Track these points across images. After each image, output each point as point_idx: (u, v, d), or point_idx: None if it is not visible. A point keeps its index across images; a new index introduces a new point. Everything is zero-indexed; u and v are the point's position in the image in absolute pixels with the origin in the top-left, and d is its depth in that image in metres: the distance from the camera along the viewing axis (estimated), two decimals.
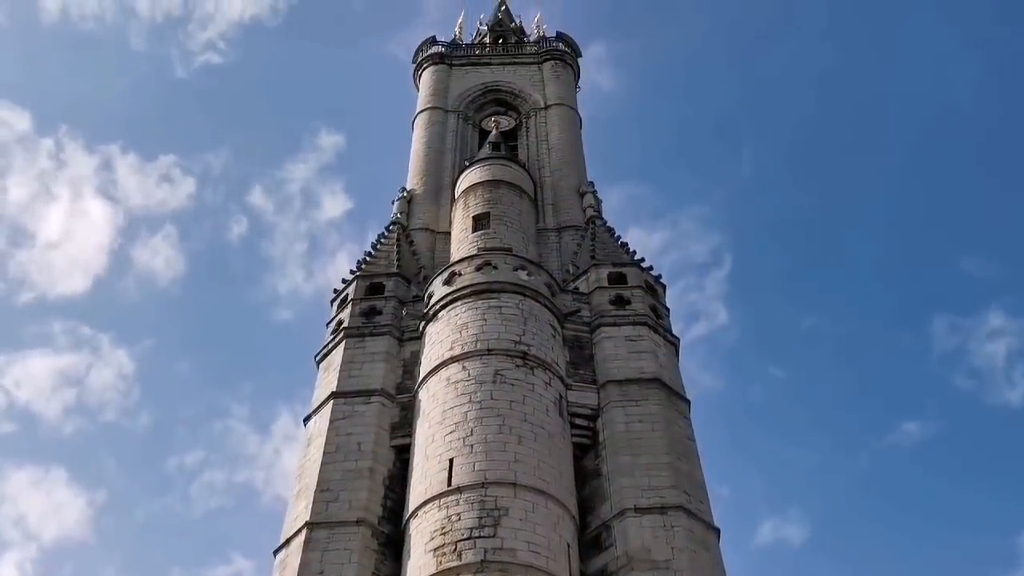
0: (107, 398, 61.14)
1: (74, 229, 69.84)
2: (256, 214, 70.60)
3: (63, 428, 59.19)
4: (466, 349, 19.27)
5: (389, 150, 65.66)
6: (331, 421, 19.53)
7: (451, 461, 17.16)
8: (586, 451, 19.05)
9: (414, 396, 19.66)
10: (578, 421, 19.34)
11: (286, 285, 67.80)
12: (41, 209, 68.59)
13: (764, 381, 59.46)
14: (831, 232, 64.91)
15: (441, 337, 20.07)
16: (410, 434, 19.05)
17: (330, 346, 21.89)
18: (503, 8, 39.22)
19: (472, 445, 17.27)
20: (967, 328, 65.35)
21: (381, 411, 19.75)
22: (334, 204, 71.18)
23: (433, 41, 35.19)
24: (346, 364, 20.84)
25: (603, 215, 26.37)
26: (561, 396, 19.26)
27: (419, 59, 34.66)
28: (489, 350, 19.12)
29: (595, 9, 74.85)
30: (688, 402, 20.41)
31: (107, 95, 72.69)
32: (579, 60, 35.23)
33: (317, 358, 22.09)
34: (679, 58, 75.18)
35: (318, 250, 68.72)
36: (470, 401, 18.14)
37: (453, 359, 19.19)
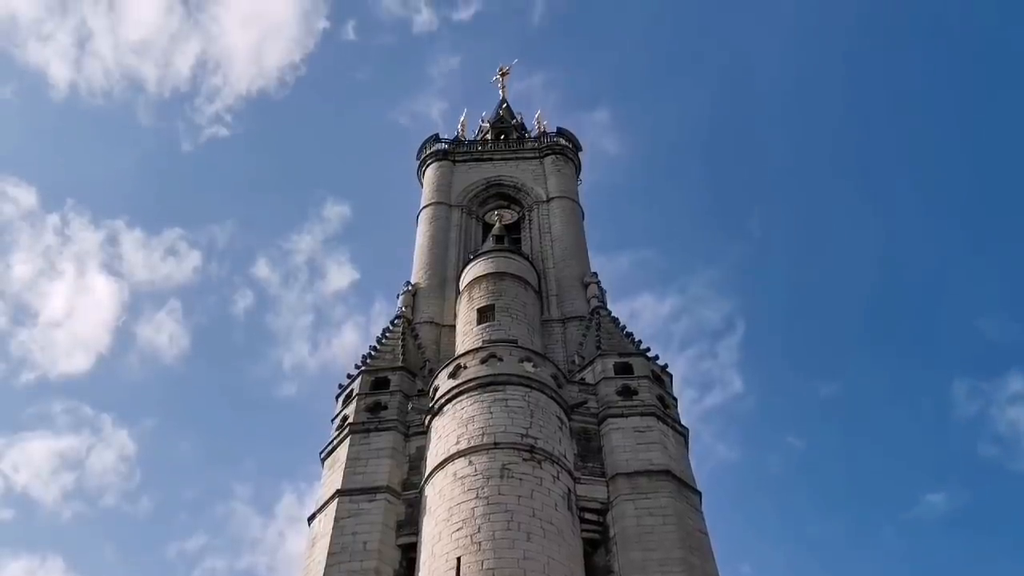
0: (107, 482, 60.21)
1: (78, 306, 70.07)
2: (261, 287, 70.86)
3: (61, 514, 58.13)
4: (472, 443, 19.03)
5: (395, 219, 66.36)
6: (336, 520, 19.15)
7: (459, 560, 16.73)
8: (596, 547, 18.58)
9: (420, 492, 19.33)
10: (587, 516, 18.92)
11: (291, 359, 67.60)
12: (45, 286, 68.96)
13: (782, 451, 58.26)
14: (845, 295, 64.66)
15: (447, 431, 19.85)
16: (416, 532, 18.64)
17: (335, 442, 21.66)
18: (504, 106, 40.24)
19: (480, 543, 16.87)
20: (988, 392, 64.34)
21: (387, 509, 19.40)
22: (340, 275, 71.46)
23: (436, 139, 35.98)
24: (351, 461, 20.58)
25: (607, 305, 26.43)
26: (570, 490, 18.92)
27: (423, 156, 35.36)
28: (496, 444, 18.87)
29: (600, 74, 76.66)
30: (699, 494, 20.02)
31: (114, 169, 73.94)
32: (579, 154, 35.90)
33: (322, 455, 21.83)
34: (684, 121, 76.56)
35: (324, 322, 68.65)
36: (477, 497, 17.81)
37: (459, 454, 18.93)
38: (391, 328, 25.33)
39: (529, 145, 35.59)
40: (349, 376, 23.53)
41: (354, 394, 22.55)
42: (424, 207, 32.55)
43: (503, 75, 42.55)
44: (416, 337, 25.28)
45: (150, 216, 76.64)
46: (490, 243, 27.99)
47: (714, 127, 75.46)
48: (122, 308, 73.12)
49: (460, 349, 23.30)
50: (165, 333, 68.55)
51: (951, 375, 63.44)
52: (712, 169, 75.21)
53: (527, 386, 20.47)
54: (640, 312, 61.99)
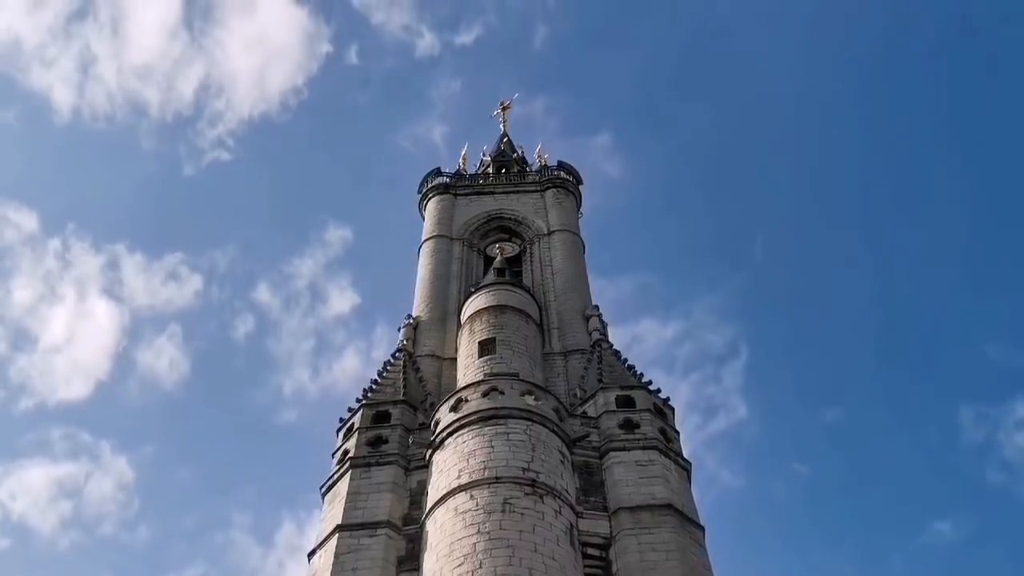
0: (105, 510, 59.67)
1: (78, 331, 69.94)
2: (262, 311, 70.72)
3: (58, 543, 57.57)
4: (473, 477, 18.89)
5: (397, 242, 66.33)
6: (336, 556, 18.97)
7: None
8: None
9: (421, 528, 19.17)
10: (590, 551, 18.71)
11: (291, 385, 67.35)
12: (45, 311, 68.87)
13: (787, 478, 57.76)
14: (848, 320, 64.43)
15: (448, 466, 19.73)
16: (418, 567, 18.44)
17: (335, 477, 21.53)
18: (505, 139, 40.53)
19: None
20: (995, 418, 63.82)
21: (388, 544, 19.21)
22: (342, 299, 71.38)
23: (438, 172, 36.19)
24: (352, 495, 20.43)
25: (608, 337, 26.41)
26: (572, 525, 18.75)
27: (424, 189, 35.53)
28: (497, 478, 18.74)
29: (601, 98, 77.18)
30: (702, 528, 19.85)
31: (115, 193, 74.17)
32: (580, 187, 36.07)
33: (322, 489, 21.69)
34: (686, 146, 76.99)
35: (325, 347, 68.41)
36: (478, 532, 17.64)
37: (460, 488, 18.78)
38: (392, 361, 25.28)
39: (530, 178, 35.78)
40: (350, 409, 23.45)
41: (355, 428, 22.45)
42: (425, 240, 32.64)
43: (504, 109, 42.95)
44: (417, 370, 25.23)
45: (151, 240, 76.98)
46: (491, 276, 28.03)
47: (716, 151, 76.04)
48: (122, 333, 73.13)
49: (461, 382, 23.24)
50: (165, 358, 68.46)
51: (957, 400, 63.14)
52: (714, 193, 75.62)
53: (529, 420, 20.38)
54: (643, 337, 61.95)
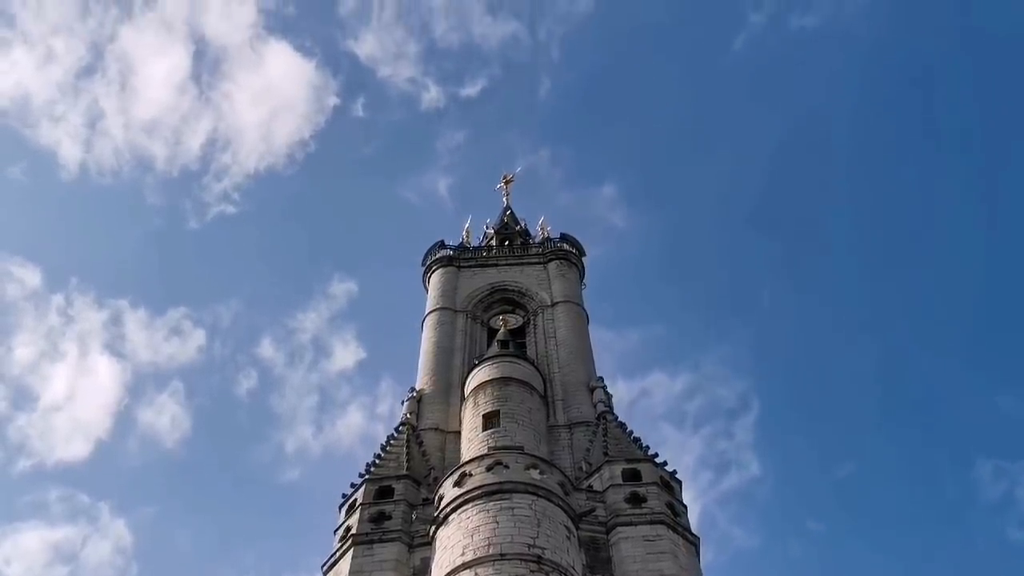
0: None
1: (79, 389, 69.37)
2: (266, 367, 70.11)
3: None
4: (478, 555, 18.53)
5: (403, 295, 66.07)
6: None
7: None
8: None
9: None
10: None
11: (294, 442, 66.48)
12: (47, 368, 68.40)
13: (803, 536, 56.40)
14: (859, 373, 63.71)
15: (452, 542, 19.38)
16: None
17: (337, 555, 21.15)
18: (508, 212, 40.95)
19: None
20: (1013, 473, 62.44)
21: None
22: (346, 354, 70.76)
23: (442, 245, 36.44)
24: (354, 574, 20.05)
25: (613, 409, 26.24)
26: None
27: (428, 262, 35.73)
28: (502, 555, 18.37)
29: (607, 149, 77.84)
30: None
31: (119, 248, 74.35)
32: (583, 259, 36.29)
33: (324, 568, 21.28)
34: (693, 196, 77.29)
35: (328, 403, 67.63)
36: None
37: (465, 565, 18.42)
38: (395, 435, 25.09)
39: (533, 250, 36.01)
40: (353, 485, 23.18)
41: (357, 503, 22.15)
42: (429, 313, 32.70)
43: (507, 182, 43.49)
44: (421, 444, 25.00)
45: (155, 295, 77.00)
46: (495, 348, 27.98)
47: (723, 202, 76.40)
48: (124, 390, 72.72)
49: (465, 456, 23.00)
50: (167, 416, 67.90)
51: (973, 455, 62.08)
52: (722, 244, 75.84)
53: (534, 494, 20.09)
54: (652, 391, 61.49)
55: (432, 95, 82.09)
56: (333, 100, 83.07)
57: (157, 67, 78.58)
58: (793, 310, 69.89)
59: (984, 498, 58.19)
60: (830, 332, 67.74)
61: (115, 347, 72.36)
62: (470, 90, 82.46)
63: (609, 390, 27.70)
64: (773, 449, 63.98)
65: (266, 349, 71.12)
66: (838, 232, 72.63)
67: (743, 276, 71.17)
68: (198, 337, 72.14)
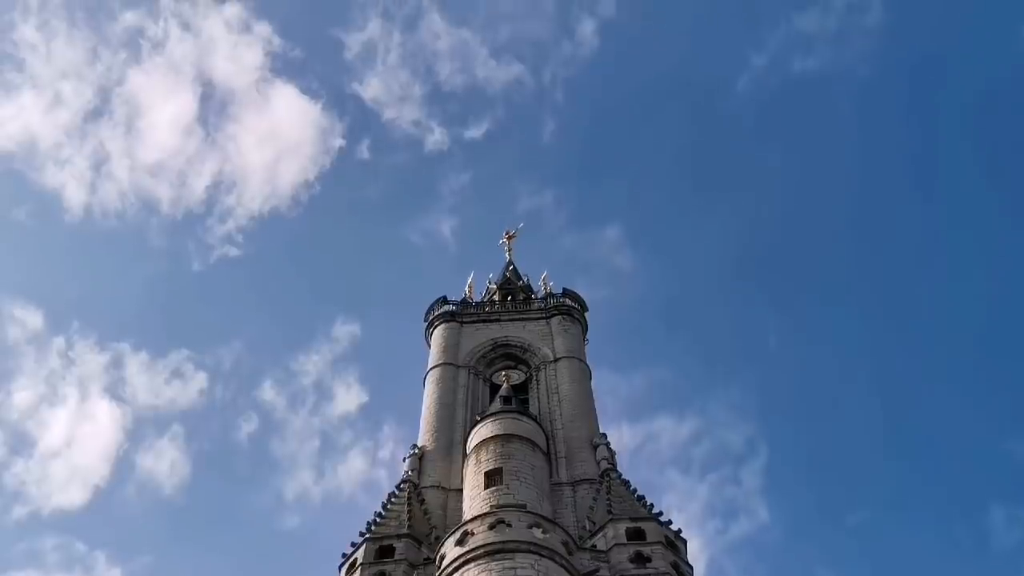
0: None
1: (78, 434, 68.51)
2: (267, 410, 69.33)
3: None
4: None
5: (406, 338, 65.43)
6: None
7: None
8: None
9: None
10: None
11: (294, 488, 65.46)
12: (46, 413, 67.63)
13: None
14: (867, 418, 62.92)
15: None
16: None
17: None
18: (511, 267, 41.07)
19: None
20: None
21: None
22: (348, 397, 69.99)
23: (444, 300, 36.44)
24: None
25: (617, 467, 25.98)
26: None
27: (431, 317, 35.72)
28: None
29: (611, 191, 77.97)
30: None
31: (122, 291, 74.18)
32: (586, 314, 36.27)
33: None
34: (698, 238, 77.14)
35: (330, 448, 66.71)
36: None
37: None
38: (396, 493, 24.83)
39: (536, 306, 36.00)
40: (353, 544, 22.88)
41: (358, 563, 21.86)
42: (431, 368, 32.58)
43: (509, 238, 43.64)
44: (423, 502, 24.72)
45: (157, 338, 76.62)
46: (497, 404, 27.79)
47: (727, 244, 76.50)
48: (123, 435, 71.92)
49: (467, 514, 22.72)
50: (166, 461, 67.04)
51: (986, 501, 61.04)
52: (726, 287, 75.67)
53: (537, 553, 19.79)
54: (658, 435, 60.80)
55: (436, 137, 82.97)
56: (339, 142, 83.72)
57: (164, 110, 79.72)
58: (799, 354, 69.70)
59: (998, 545, 57.22)
60: (837, 377, 67.47)
61: (115, 390, 72.07)
62: (474, 132, 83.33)
63: (613, 441, 27.53)
64: (782, 496, 63.17)
65: (267, 392, 70.85)
66: (843, 275, 72.82)
67: (748, 319, 71.14)
68: (200, 380, 71.91)
